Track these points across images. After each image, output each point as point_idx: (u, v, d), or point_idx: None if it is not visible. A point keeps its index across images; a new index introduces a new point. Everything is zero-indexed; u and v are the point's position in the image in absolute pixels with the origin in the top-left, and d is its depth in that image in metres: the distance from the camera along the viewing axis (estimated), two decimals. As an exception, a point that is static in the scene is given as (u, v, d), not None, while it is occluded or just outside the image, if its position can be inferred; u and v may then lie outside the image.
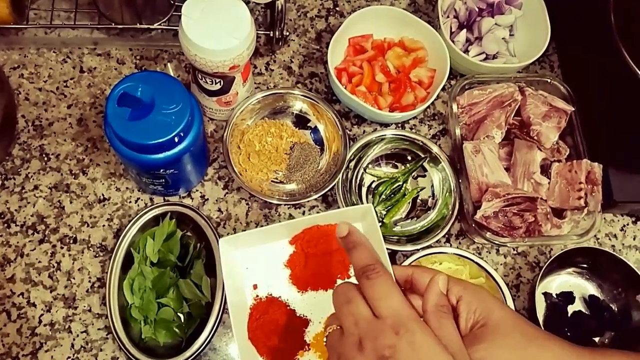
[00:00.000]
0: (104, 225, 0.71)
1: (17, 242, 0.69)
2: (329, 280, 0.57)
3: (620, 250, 0.78)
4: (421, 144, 0.77)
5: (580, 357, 0.48)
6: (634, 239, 0.78)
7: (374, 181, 0.76)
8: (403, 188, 0.76)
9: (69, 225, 0.71)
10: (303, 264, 0.58)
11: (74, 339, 0.66)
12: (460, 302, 0.48)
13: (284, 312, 0.56)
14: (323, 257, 0.57)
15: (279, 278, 0.58)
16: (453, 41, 0.81)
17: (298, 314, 0.57)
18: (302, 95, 0.76)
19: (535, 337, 0.47)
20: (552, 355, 0.47)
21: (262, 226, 0.73)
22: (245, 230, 0.68)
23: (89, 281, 0.69)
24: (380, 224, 0.72)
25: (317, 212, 0.74)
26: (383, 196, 0.75)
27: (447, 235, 0.75)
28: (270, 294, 0.57)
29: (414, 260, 0.69)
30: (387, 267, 0.53)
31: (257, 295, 0.57)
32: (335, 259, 0.57)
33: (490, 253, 0.76)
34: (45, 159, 0.73)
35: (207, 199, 0.74)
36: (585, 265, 0.74)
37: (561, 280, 0.74)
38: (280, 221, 0.72)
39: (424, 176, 0.77)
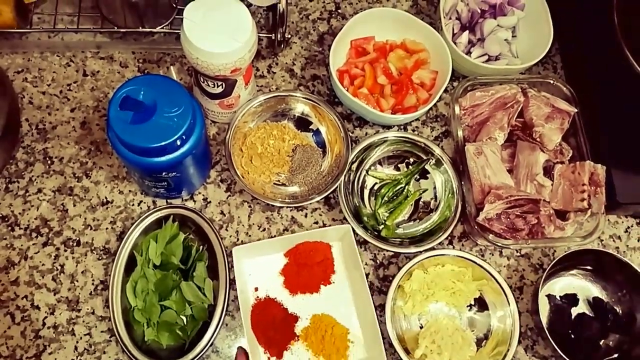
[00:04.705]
0: (107, 228, 0.71)
1: (21, 245, 0.70)
2: (314, 285, 0.71)
3: (624, 252, 0.77)
4: (423, 145, 0.76)
5: None
6: (639, 240, 0.78)
7: (376, 183, 0.76)
8: (405, 190, 0.75)
9: (73, 228, 0.71)
10: (294, 272, 0.71)
11: (77, 342, 0.66)
12: None
13: (279, 310, 0.69)
14: (311, 268, 0.71)
15: (275, 283, 0.71)
16: (455, 43, 0.81)
17: (290, 312, 0.69)
18: (304, 97, 0.76)
19: None
20: None
21: (264, 229, 0.73)
22: (248, 233, 0.74)
23: (92, 284, 0.69)
24: (382, 226, 0.73)
25: (320, 215, 0.74)
26: (385, 198, 0.75)
27: (449, 237, 0.75)
28: (268, 296, 0.70)
29: (417, 263, 0.69)
30: (364, 284, 0.67)
31: (258, 297, 0.70)
32: (319, 269, 0.71)
33: (493, 255, 0.75)
34: (49, 162, 0.74)
35: (210, 202, 0.74)
36: (589, 267, 0.74)
37: (565, 282, 0.74)
38: (282, 223, 0.74)
39: (427, 178, 0.77)
